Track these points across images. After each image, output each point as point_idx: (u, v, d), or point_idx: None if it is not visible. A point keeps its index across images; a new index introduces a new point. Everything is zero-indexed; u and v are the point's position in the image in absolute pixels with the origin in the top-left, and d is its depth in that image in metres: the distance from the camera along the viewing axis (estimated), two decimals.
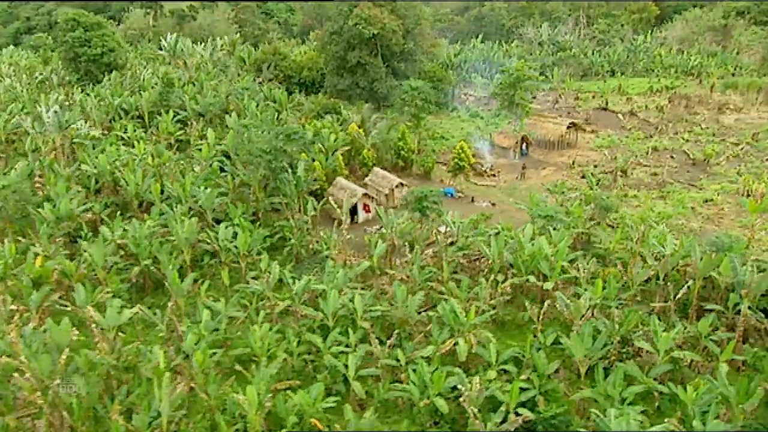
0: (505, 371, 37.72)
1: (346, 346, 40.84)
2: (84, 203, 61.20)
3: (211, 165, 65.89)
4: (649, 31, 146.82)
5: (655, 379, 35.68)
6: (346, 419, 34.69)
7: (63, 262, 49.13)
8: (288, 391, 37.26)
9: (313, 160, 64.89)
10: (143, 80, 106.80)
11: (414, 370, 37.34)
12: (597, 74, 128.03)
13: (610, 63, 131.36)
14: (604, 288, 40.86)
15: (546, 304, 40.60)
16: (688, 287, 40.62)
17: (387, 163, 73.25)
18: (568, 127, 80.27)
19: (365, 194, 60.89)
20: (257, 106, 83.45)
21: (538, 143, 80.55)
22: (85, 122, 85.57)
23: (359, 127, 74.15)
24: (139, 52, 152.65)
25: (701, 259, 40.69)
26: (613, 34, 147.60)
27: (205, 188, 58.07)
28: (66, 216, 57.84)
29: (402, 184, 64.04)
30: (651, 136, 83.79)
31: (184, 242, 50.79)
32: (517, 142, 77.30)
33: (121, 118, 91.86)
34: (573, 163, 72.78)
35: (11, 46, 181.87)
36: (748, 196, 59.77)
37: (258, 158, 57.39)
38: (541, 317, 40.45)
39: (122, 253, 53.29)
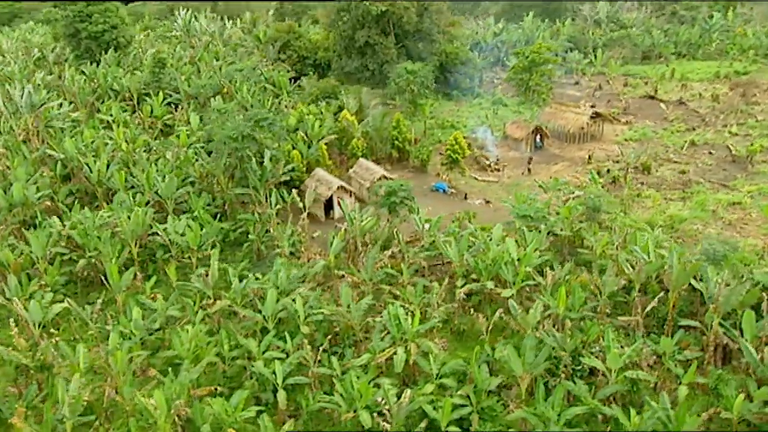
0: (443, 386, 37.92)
1: (284, 351, 41.74)
2: (48, 190, 63.72)
3: (186, 152, 67.73)
4: (732, 8, 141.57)
5: (605, 401, 35.30)
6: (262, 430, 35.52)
7: (1, 251, 51.69)
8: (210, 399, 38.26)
9: (293, 148, 66.14)
10: (141, 61, 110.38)
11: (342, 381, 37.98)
12: (660, 57, 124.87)
13: (677, 44, 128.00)
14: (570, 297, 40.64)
15: (498, 313, 40.45)
16: (659, 300, 39.85)
17: (381, 153, 73.85)
18: (592, 118, 78.99)
19: (341, 187, 61.61)
20: (249, 89, 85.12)
21: (557, 135, 79.69)
22: (68, 103, 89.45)
23: (354, 115, 74.92)
24: (156, 31, 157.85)
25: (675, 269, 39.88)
26: (690, 10, 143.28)
27: (170, 177, 59.81)
28: (20, 202, 60.56)
29: (385, 177, 64.44)
30: (693, 129, 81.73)
31: (130, 235, 52.67)
32: (529, 134, 76.60)
33: (110, 100, 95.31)
34: (590, 157, 71.75)
35: (30, 22, 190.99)
36: None
37: (223, 145, 58.99)
38: (490, 327, 40.38)
39: (70, 245, 55.40)
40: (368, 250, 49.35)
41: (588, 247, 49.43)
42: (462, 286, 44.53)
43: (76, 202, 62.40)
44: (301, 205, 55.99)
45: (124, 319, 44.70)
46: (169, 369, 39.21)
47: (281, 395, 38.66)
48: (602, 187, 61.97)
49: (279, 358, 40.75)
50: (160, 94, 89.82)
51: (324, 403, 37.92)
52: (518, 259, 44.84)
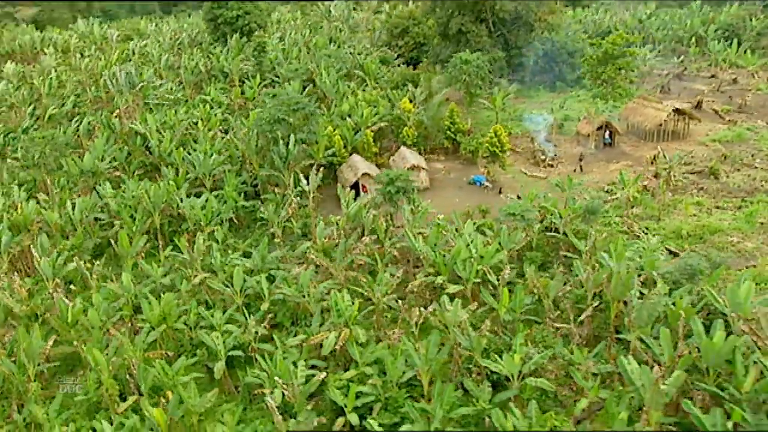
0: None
1: (240, 326, 44.87)
2: (115, 162, 71.34)
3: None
4: None
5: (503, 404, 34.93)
6: (188, 395, 38.73)
7: (45, 213, 59.24)
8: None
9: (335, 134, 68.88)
10: (263, 45, 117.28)
11: (272, 358, 40.24)
12: None
13: None
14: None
15: (429, 308, 40.73)
16: (593, 309, 38.13)
17: (435, 143, 74.40)
18: (678, 114, 73.90)
19: (366, 174, 63.30)
20: (329, 74, 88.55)
21: (636, 132, 75.51)
22: (178, 84, 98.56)
23: (421, 103, 76.09)
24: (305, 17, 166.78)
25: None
26: None
27: (207, 155, 64.83)
28: (90, 170, 68.50)
29: (415, 166, 65.18)
30: None
31: (152, 206, 58.18)
32: (597, 130, 73.27)
33: (219, 81, 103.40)
34: (655, 158, 67.52)
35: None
36: None
37: (258, 128, 62.99)
38: (420, 321, 40.71)
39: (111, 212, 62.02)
40: (349, 236, 50.96)
41: (574, 249, 47.58)
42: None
43: (135, 174, 69.41)
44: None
45: (114, 283, 49.85)
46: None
47: (218, 366, 41.65)
48: (639, 191, 58.49)
49: (229, 332, 43.96)
50: (257, 76, 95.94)
51: (252, 377, 40.41)
52: (481, 257, 44.44)
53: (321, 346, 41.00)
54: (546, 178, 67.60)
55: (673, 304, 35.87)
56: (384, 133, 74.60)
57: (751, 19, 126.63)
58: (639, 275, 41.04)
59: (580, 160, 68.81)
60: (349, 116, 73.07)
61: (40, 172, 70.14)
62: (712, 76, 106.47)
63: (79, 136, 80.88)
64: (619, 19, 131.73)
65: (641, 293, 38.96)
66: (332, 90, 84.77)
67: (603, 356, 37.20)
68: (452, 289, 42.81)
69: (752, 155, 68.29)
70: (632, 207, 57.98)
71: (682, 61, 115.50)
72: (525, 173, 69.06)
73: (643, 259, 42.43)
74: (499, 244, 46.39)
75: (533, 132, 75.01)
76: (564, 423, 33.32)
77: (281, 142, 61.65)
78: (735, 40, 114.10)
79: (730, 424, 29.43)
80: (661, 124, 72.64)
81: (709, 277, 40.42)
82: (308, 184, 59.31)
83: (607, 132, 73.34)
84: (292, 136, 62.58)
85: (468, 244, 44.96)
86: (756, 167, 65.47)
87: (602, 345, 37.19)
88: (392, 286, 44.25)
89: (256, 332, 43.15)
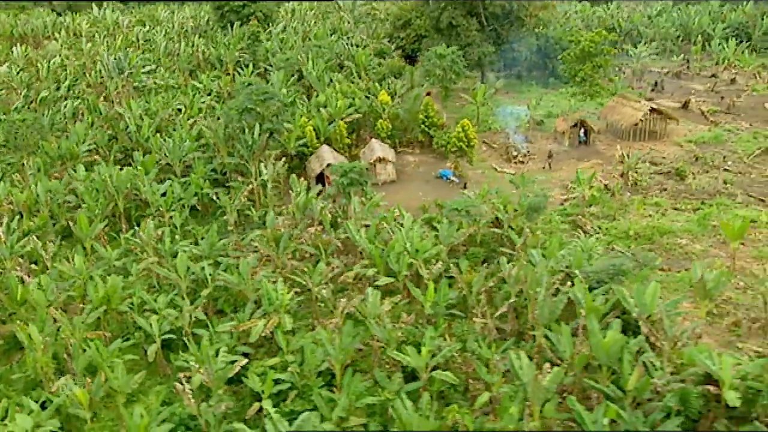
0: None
1: (181, 310, 46.18)
2: (93, 145, 73.19)
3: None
4: None
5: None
6: (115, 375, 40.12)
7: (13, 193, 61.15)
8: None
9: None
10: (257, 34, 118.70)
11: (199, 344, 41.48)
12: None
13: None
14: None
15: (355, 300, 41.69)
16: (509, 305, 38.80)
17: (411, 136, 75.07)
18: (656, 114, 73.69)
19: (330, 165, 64.25)
20: (315, 65, 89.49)
21: (614, 131, 75.49)
22: (172, 71, 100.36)
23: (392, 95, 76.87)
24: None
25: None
26: None
27: (177, 142, 66.28)
28: (67, 154, 70.38)
29: (382, 159, 65.99)
30: None
31: (114, 191, 59.76)
32: (572, 127, 73.39)
33: (214, 69, 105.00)
34: (627, 156, 67.48)
35: None
36: None
37: (226, 117, 64.30)
38: (344, 311, 41.62)
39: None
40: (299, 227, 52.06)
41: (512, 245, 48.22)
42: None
43: (114, 158, 71.13)
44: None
45: (68, 263, 51.45)
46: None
47: (151, 348, 43.05)
48: (599, 190, 58.74)
49: (170, 316, 45.32)
50: (250, 66, 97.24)
51: (181, 361, 41.71)
52: (417, 250, 45.23)
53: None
54: (514, 174, 67.96)
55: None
56: (362, 125, 75.39)
57: (763, 18, 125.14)
58: (565, 273, 41.64)
59: (549, 157, 69.09)
60: (325, 107, 74.00)
61: (19, 154, 72.18)
62: (713, 76, 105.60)
63: (65, 119, 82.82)
64: (627, 15, 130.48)
65: (558, 291, 39.53)
66: (317, 81, 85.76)
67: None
68: (383, 281, 43.64)
69: (724, 157, 68.06)
70: (590, 206, 58.28)
71: (687, 60, 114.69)
72: (496, 169, 69.52)
73: (572, 258, 42.78)
74: (436, 238, 47.09)
75: (506, 127, 75.32)
76: (466, 416, 34.13)
77: (247, 131, 62.76)
78: (735, 40, 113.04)
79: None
80: (636, 124, 72.52)
81: (635, 277, 40.82)
82: (271, 173, 60.23)
83: (582, 130, 73.39)
84: (256, 126, 63.60)
85: (405, 238, 45.63)
86: (725, 170, 65.21)
87: (512, 341, 37.77)
88: (327, 276, 45.15)
89: (191, 317, 44.33)
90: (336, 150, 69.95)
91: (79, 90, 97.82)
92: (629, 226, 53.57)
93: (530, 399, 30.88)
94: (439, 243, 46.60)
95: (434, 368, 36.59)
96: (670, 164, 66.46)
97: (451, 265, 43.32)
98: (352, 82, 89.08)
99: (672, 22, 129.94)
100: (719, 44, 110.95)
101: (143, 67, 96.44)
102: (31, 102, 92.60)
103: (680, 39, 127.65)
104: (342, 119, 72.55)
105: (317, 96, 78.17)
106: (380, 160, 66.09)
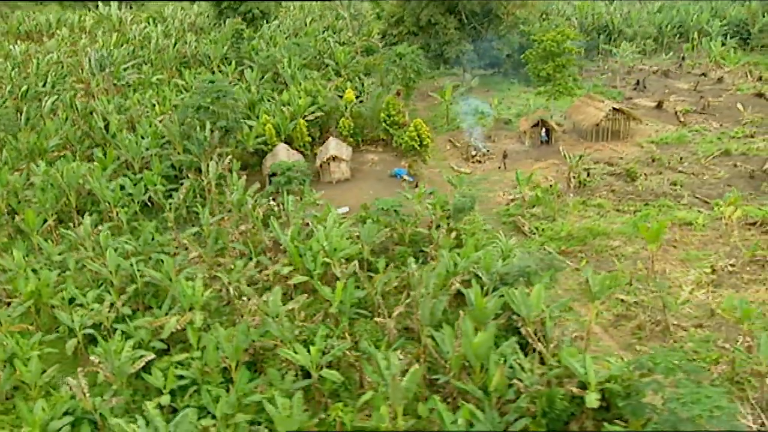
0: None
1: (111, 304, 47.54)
2: (59, 141, 75.05)
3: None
4: None
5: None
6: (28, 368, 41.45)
7: None
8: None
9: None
10: (240, 31, 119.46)
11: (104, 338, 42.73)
12: None
13: None
14: None
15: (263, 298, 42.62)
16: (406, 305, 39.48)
17: (374, 135, 75.75)
18: (619, 114, 73.45)
19: (300, 162, 65.29)
20: (291, 63, 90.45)
21: (578, 131, 75.43)
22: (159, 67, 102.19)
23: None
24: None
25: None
26: None
27: (132, 139, 67.75)
28: (36, 149, 72.34)
29: (335, 157, 66.77)
30: (752, 136, 72.71)
31: (66, 186, 61.38)
32: (533, 127, 73.45)
33: (202, 65, 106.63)
34: (581, 157, 67.45)
35: None
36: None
37: (181, 114, 65.64)
38: (251, 308, 42.56)
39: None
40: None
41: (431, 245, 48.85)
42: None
43: (82, 154, 72.91)
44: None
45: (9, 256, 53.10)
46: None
47: (70, 343, 44.38)
48: (544, 191, 58.94)
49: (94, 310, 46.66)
50: (233, 63, 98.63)
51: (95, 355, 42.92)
52: (335, 249, 46.04)
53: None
54: (470, 174, 68.43)
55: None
56: (327, 123, 76.27)
57: (764, 15, 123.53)
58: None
59: (504, 157, 69.25)
60: (287, 105, 74.99)
61: None
62: (703, 75, 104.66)
63: (41, 115, 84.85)
64: (627, 12, 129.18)
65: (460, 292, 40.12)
66: (290, 79, 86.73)
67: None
68: (296, 280, 44.52)
69: (681, 158, 67.65)
70: (533, 206, 58.54)
71: (683, 58, 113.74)
72: (453, 168, 69.94)
73: (483, 259, 43.22)
74: (357, 237, 47.87)
75: (466, 126, 75.66)
76: (349, 414, 34.95)
77: (198, 129, 63.98)
78: (731, 37, 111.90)
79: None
80: (598, 124, 72.35)
81: (540, 278, 41.15)
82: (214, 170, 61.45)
83: (544, 130, 73.39)
84: (207, 123, 64.79)
85: (324, 237, 46.42)
86: (680, 171, 64.90)
87: (401, 341, 38.41)
88: (245, 274, 46.14)
89: (111, 312, 45.58)
90: (296, 148, 70.94)
91: (66, 86, 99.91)
92: (563, 227, 53.70)
93: (390, 399, 31.49)
94: (357, 243, 47.21)
95: (329, 366, 37.41)
96: (625, 165, 66.20)
97: (358, 264, 43.84)
98: (329, 80, 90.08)
99: (670, 19, 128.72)
100: (712, 41, 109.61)
101: (125, 63, 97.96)
102: (15, 98, 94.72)
103: (677, 36, 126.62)
104: (304, 117, 73.43)
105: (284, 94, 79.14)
106: (334, 158, 66.87)
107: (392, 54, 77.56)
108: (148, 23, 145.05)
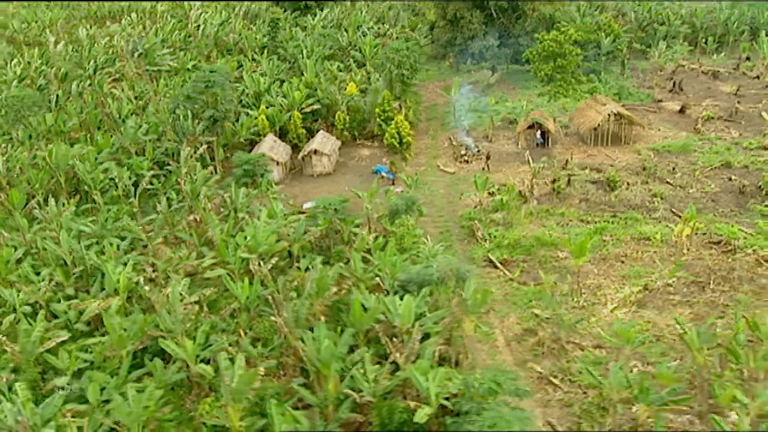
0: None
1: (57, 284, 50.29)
2: (74, 122, 79.19)
3: None
4: None
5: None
6: None
7: None
8: None
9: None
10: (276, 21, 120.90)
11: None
12: None
13: None
14: None
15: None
16: None
17: (369, 129, 75.96)
18: (621, 118, 70.66)
19: (262, 155, 66.49)
20: (312, 54, 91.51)
21: (578, 134, 73.16)
22: (188, 53, 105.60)
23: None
24: None
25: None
26: None
27: (129, 126, 70.66)
28: (47, 129, 76.69)
29: (317, 151, 67.48)
30: (766, 148, 68.60)
31: (56, 167, 64.85)
32: (528, 129, 71.66)
33: (241, 53, 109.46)
34: (566, 163, 65.59)
35: None
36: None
37: (173, 103, 68.05)
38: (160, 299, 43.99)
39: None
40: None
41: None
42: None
43: (84, 135, 76.72)
44: None
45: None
46: None
47: (6, 319, 46.93)
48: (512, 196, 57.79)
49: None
50: (265, 52, 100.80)
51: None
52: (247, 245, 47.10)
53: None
54: (453, 174, 67.75)
55: None
56: (326, 116, 77.14)
57: None
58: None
59: (487, 158, 68.01)
60: (285, 97, 76.20)
61: (14, 127, 79.13)
62: (756, 78, 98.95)
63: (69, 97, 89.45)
64: (673, 11, 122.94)
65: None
66: (306, 70, 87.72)
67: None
68: (214, 273, 45.72)
69: (674, 168, 64.57)
70: (496, 211, 57.58)
71: (748, 58, 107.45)
72: (439, 167, 69.40)
73: (394, 265, 43.14)
74: (288, 235, 48.59)
75: (460, 130, 74.81)
76: (216, 408, 35.92)
77: (182, 118, 66.13)
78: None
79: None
80: (595, 128, 69.89)
81: (444, 286, 40.86)
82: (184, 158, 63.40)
83: (540, 132, 71.49)
84: (204, 112, 66.79)
85: (251, 233, 47.38)
86: (667, 182, 62.06)
87: (280, 341, 38.95)
88: (173, 263, 47.73)
89: (54, 291, 48.04)
90: (288, 141, 72.22)
91: (107, 70, 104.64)
92: (510, 235, 52.64)
93: (224, 400, 32.26)
94: (282, 239, 47.95)
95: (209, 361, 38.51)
96: (609, 173, 63.79)
97: (261, 262, 44.51)
98: (348, 71, 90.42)
99: (739, 15, 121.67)
100: (765, 43, 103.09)
101: (160, 49, 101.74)
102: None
103: (743, 34, 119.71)
104: (301, 110, 74.49)
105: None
106: (315, 152, 67.64)
107: (386, 50, 77.33)
108: (213, 11, 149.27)
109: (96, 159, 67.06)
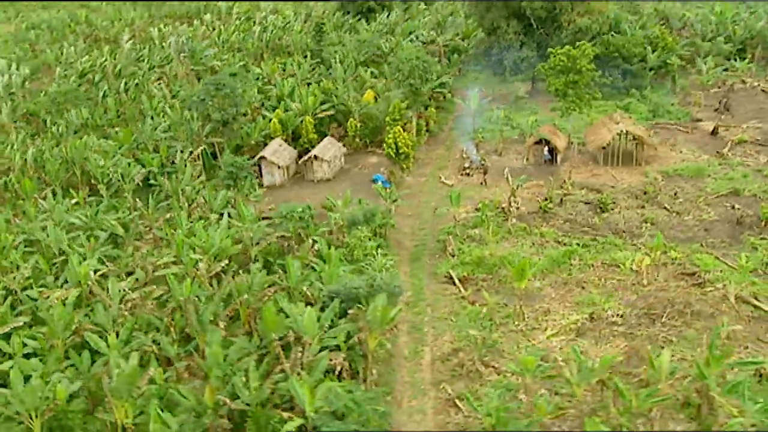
0: None
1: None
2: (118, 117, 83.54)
3: None
4: None
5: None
6: None
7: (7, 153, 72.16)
8: None
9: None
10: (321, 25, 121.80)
11: None
12: None
13: None
14: None
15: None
16: None
17: (381, 137, 76.06)
18: (632, 137, 68.02)
19: (263, 157, 68.04)
20: (346, 59, 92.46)
21: (589, 152, 70.99)
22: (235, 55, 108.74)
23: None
24: None
25: None
26: None
27: (148, 124, 73.81)
28: (83, 123, 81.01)
29: (317, 157, 68.38)
30: None
31: (70, 161, 68.46)
32: (535, 144, 70.00)
33: (289, 55, 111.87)
34: (565, 182, 63.75)
35: None
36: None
37: (185, 105, 70.71)
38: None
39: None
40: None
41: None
42: None
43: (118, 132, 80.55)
44: None
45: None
46: None
47: None
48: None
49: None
50: (309, 55, 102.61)
51: None
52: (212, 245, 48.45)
53: None
54: (451, 186, 67.13)
55: None
56: (343, 122, 78.05)
57: None
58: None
59: (485, 173, 66.91)
60: (301, 102, 77.47)
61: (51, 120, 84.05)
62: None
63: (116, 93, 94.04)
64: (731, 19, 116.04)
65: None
66: (340, 70, 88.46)
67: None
68: (162, 271, 47.26)
69: (675, 193, 61.66)
70: (475, 227, 56.84)
71: None
72: (440, 178, 68.99)
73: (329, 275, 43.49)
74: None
75: (466, 143, 73.97)
76: (134, 406, 37.16)
77: (192, 118, 68.51)
78: None
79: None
80: (604, 147, 67.56)
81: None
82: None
83: (547, 148, 69.71)
84: (213, 114, 68.92)
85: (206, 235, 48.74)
86: (664, 207, 59.41)
87: (195, 342, 39.95)
88: (135, 260, 49.65)
89: (25, 278, 50.74)
90: (300, 145, 73.57)
91: (163, 69, 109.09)
92: (473, 252, 51.89)
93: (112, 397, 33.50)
94: (239, 242, 49.08)
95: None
96: (605, 195, 61.53)
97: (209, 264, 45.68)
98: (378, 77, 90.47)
99: None
100: None
101: (206, 50, 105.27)
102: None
103: None
104: (315, 115, 75.63)
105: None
106: (315, 158, 68.53)
107: (396, 59, 77.30)
108: (279, 14, 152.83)
109: (115, 153, 70.39)
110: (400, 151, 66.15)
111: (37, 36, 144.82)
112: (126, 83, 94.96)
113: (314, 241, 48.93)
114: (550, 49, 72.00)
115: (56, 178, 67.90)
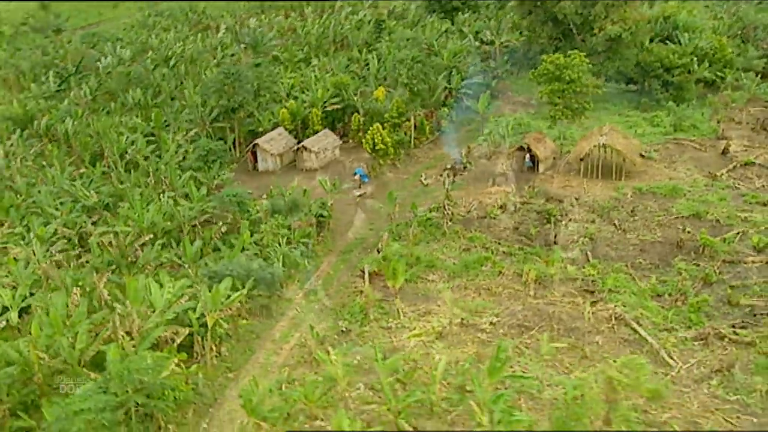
0: None
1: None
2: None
3: None
4: None
5: None
6: None
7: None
8: None
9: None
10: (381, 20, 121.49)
11: None
12: None
13: None
14: None
15: None
16: None
17: None
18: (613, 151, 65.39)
19: (256, 144, 71.53)
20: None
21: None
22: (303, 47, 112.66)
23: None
24: None
25: None
26: None
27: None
28: (135, 103, 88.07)
29: (305, 148, 70.91)
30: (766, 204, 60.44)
31: (96, 135, 75.06)
32: (517, 150, 68.76)
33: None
34: (528, 190, 62.70)
35: None
36: None
37: (202, 94, 75.64)
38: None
39: None
40: None
41: None
42: None
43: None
44: None
45: None
46: None
47: None
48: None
49: None
50: (363, 51, 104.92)
51: None
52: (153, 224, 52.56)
53: None
54: (426, 186, 67.74)
55: None
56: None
57: None
58: None
59: (454, 175, 66.79)
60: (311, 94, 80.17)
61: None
62: None
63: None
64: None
65: None
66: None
67: None
68: (96, 239, 51.81)
69: (633, 210, 59.09)
70: (419, 227, 57.54)
71: None
72: (420, 176, 69.69)
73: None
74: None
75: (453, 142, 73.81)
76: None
77: (200, 108, 73.25)
78: None
79: None
80: (582, 158, 65.49)
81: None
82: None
83: (529, 155, 68.36)
84: (221, 101, 73.30)
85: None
86: (613, 224, 57.30)
87: None
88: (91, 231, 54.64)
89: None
90: (307, 135, 76.49)
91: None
92: (387, 250, 52.80)
93: None
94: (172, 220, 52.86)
95: None
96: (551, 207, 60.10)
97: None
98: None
99: None
100: None
101: (273, 40, 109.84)
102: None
103: None
104: (324, 107, 78.22)
105: None
106: (304, 148, 71.23)
107: (396, 62, 77.88)
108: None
109: (143, 131, 76.48)
110: (377, 147, 67.45)
111: (154, 23, 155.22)
112: (186, 68, 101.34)
113: (222, 224, 51.76)
114: (542, 56, 70.22)
115: (84, 150, 74.61)
